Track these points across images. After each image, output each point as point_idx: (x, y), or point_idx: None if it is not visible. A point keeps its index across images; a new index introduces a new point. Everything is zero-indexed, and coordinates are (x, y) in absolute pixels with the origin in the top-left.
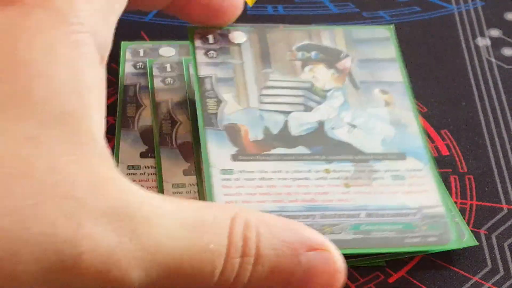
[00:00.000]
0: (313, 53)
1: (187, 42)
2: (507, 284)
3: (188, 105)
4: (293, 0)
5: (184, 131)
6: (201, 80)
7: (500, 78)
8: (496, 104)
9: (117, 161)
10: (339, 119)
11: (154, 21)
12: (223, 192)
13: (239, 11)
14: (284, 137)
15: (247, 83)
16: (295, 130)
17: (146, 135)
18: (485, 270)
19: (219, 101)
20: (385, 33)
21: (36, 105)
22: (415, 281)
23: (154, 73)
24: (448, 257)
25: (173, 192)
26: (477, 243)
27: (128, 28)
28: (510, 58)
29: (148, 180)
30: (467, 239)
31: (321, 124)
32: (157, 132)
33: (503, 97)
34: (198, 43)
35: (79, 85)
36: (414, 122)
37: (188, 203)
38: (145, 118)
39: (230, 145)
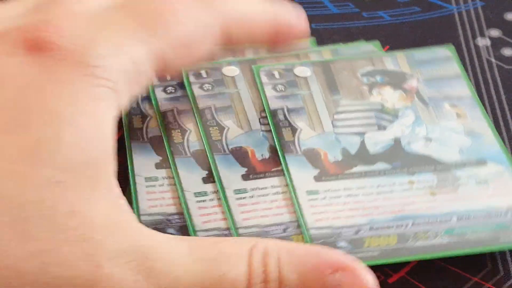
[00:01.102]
0: (378, 77)
1: None
2: (507, 284)
3: (194, 113)
4: (293, 0)
5: (195, 139)
6: (273, 112)
7: (500, 78)
8: (496, 104)
9: (133, 174)
10: (414, 134)
11: None
12: (311, 211)
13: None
14: (363, 156)
15: (319, 111)
16: (372, 148)
17: (157, 146)
18: (485, 271)
19: (294, 129)
20: (446, 52)
21: (62, 151)
22: (415, 282)
23: (154, 83)
24: (448, 257)
25: (196, 201)
26: None
27: None
28: (510, 58)
29: (169, 191)
30: None
31: (397, 140)
32: (168, 142)
33: (503, 97)
34: (264, 79)
35: (101, 135)
36: (489, 131)
37: (204, 240)
38: (153, 128)
39: (311, 168)
